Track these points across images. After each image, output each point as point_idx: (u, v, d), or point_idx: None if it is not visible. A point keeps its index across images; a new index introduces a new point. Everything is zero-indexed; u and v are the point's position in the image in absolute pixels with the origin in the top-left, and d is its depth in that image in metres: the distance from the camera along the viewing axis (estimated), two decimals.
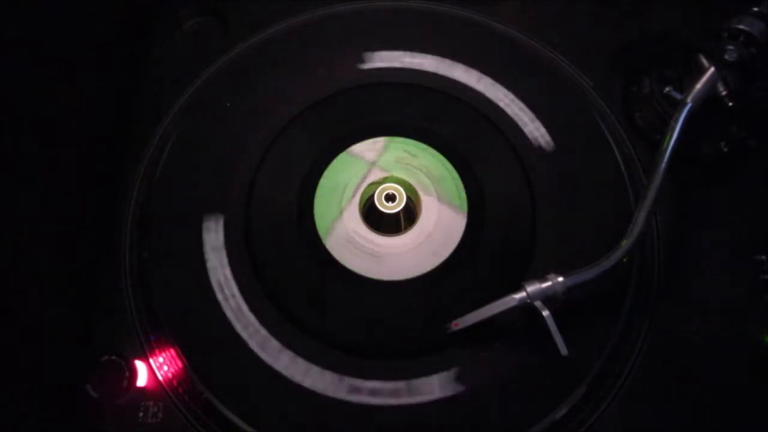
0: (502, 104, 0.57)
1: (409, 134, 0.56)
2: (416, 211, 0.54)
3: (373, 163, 0.54)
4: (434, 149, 0.55)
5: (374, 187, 0.53)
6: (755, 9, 0.50)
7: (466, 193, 0.53)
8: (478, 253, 0.51)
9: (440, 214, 0.53)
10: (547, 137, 0.55)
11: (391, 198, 0.53)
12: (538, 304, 0.44)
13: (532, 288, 0.44)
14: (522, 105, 0.57)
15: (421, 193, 0.54)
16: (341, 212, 0.53)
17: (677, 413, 0.47)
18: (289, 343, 0.48)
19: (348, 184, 0.54)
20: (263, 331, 0.49)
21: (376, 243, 0.52)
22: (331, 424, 0.47)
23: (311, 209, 0.53)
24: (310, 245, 0.52)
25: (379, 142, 0.55)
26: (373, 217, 0.53)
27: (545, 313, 0.44)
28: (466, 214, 0.53)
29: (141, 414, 0.47)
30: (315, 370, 0.48)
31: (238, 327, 0.49)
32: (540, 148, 0.55)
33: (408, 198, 0.53)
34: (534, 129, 0.56)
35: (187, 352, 0.48)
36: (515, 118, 0.56)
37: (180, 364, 0.48)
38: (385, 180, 0.54)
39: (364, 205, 0.54)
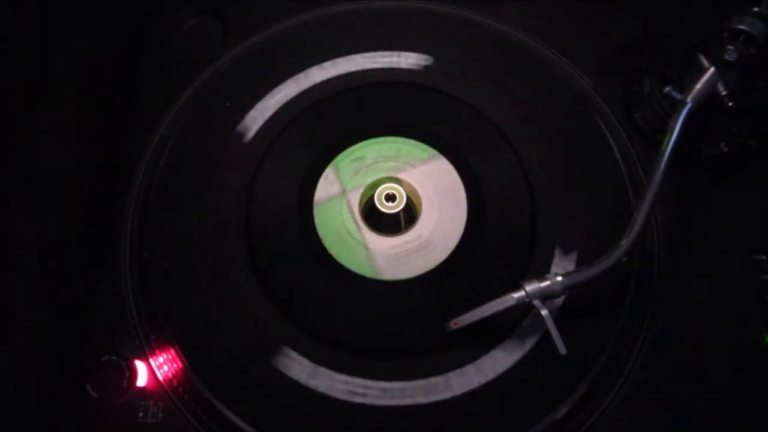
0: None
1: (412, 134, 0.56)
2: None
3: (343, 191, 0.54)
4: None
5: (374, 188, 0.53)
6: (755, 9, 0.49)
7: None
8: (478, 252, 0.51)
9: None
10: (548, 137, 0.55)
11: (391, 198, 0.53)
12: (537, 303, 0.44)
13: (531, 287, 0.45)
14: (522, 105, 0.57)
15: (401, 176, 0.54)
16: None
17: (677, 413, 0.47)
18: (289, 343, 0.48)
19: (345, 223, 0.53)
20: (263, 331, 0.49)
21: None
22: (331, 424, 0.47)
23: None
24: (310, 245, 0.52)
25: (329, 173, 0.54)
26: (373, 217, 0.53)
27: (544, 312, 0.44)
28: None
29: (141, 414, 0.47)
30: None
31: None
32: (540, 148, 0.55)
33: (408, 198, 0.53)
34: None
35: (187, 352, 0.48)
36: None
37: (180, 364, 0.48)
38: (375, 183, 0.54)
39: (364, 205, 0.54)
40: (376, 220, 0.53)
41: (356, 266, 0.51)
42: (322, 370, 0.48)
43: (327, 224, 0.52)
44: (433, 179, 0.54)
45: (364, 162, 0.54)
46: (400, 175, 0.54)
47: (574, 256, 0.51)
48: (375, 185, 0.53)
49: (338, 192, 0.53)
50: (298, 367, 0.48)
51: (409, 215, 0.54)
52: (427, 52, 0.59)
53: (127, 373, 0.48)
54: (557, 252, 0.51)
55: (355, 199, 0.54)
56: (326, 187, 0.53)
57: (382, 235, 0.53)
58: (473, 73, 0.58)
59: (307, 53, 0.59)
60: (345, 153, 0.55)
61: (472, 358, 0.48)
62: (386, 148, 0.55)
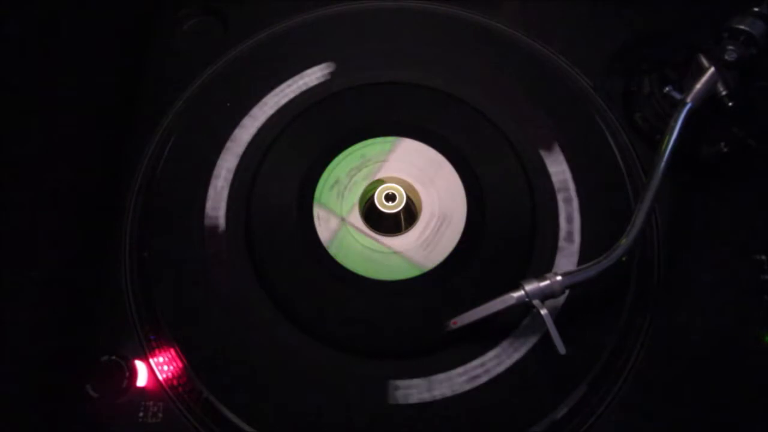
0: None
1: (413, 134, 0.56)
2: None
3: (342, 221, 0.53)
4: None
5: (374, 188, 0.53)
6: (755, 9, 0.49)
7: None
8: (478, 252, 0.51)
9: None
10: (548, 137, 0.55)
11: (391, 198, 0.53)
12: (536, 302, 0.44)
13: (530, 287, 0.45)
14: (522, 105, 0.57)
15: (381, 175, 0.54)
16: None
17: (677, 413, 0.47)
18: (289, 342, 0.49)
19: (363, 246, 0.53)
20: (263, 331, 0.49)
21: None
22: (330, 423, 0.47)
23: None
24: (310, 244, 0.52)
25: (318, 211, 0.53)
26: (373, 218, 0.53)
27: (544, 311, 0.44)
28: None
29: (141, 414, 0.47)
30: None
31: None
32: (540, 148, 0.55)
33: (408, 198, 0.53)
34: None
35: (187, 352, 0.48)
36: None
37: (180, 364, 0.48)
38: (379, 182, 0.54)
39: (364, 205, 0.54)
40: (376, 220, 0.53)
41: (401, 274, 0.51)
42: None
43: (349, 255, 0.52)
44: (407, 159, 0.54)
45: (341, 183, 0.54)
46: (379, 176, 0.54)
47: (574, 255, 0.51)
48: (365, 195, 0.54)
49: (338, 224, 0.53)
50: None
51: (409, 215, 0.54)
52: (423, 51, 0.59)
53: (127, 373, 0.48)
54: (557, 251, 0.51)
55: (356, 219, 0.53)
56: (324, 226, 0.53)
57: (400, 235, 0.53)
58: (473, 73, 0.58)
59: (308, 53, 0.59)
60: (320, 185, 0.54)
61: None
62: (351, 160, 0.55)
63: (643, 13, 0.61)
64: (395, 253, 0.52)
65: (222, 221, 0.53)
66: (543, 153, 0.55)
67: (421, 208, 0.53)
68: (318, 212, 0.53)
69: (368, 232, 0.53)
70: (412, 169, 0.55)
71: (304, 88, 0.58)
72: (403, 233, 0.53)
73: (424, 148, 0.55)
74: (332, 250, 0.52)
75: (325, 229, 0.53)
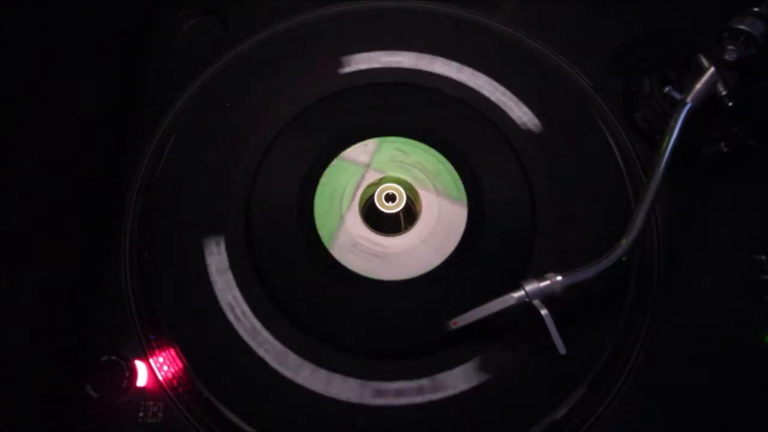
0: (502, 104, 0.57)
1: (410, 134, 0.56)
2: (416, 210, 0.54)
3: (368, 165, 0.54)
4: (430, 147, 0.55)
5: (374, 188, 0.53)
6: (755, 9, 0.49)
7: (466, 194, 0.53)
8: (478, 252, 0.51)
9: (440, 213, 0.53)
10: (548, 138, 0.55)
11: (391, 198, 0.53)
12: (536, 303, 0.44)
13: (530, 287, 0.45)
14: (522, 105, 0.57)
15: (419, 190, 0.54)
16: (341, 214, 0.53)
17: (677, 413, 0.47)
18: (289, 342, 0.49)
19: (346, 188, 0.54)
20: (263, 331, 0.49)
21: (377, 243, 0.52)
22: (330, 423, 0.47)
23: (311, 211, 0.53)
24: (309, 244, 0.52)
25: (370, 144, 0.55)
26: (374, 218, 0.53)
27: (544, 312, 0.44)
28: (466, 213, 0.53)
29: (141, 414, 0.47)
30: (313, 368, 0.48)
31: (238, 326, 0.49)
32: (540, 148, 0.55)
33: (408, 198, 0.53)
34: (534, 129, 0.56)
35: (187, 352, 0.48)
36: (516, 118, 0.56)
37: (180, 364, 0.48)
38: (382, 180, 0.54)
39: (364, 205, 0.54)
40: (376, 220, 0.53)
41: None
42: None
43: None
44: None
45: (406, 157, 0.54)
46: (379, 176, 0.54)
47: (573, 255, 0.51)
48: (365, 195, 0.54)
49: (338, 224, 0.53)
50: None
51: (409, 215, 0.54)
52: (423, 51, 0.59)
53: (127, 373, 0.48)
54: (557, 252, 0.51)
55: (356, 219, 0.53)
56: (325, 226, 0.53)
57: (400, 235, 0.53)
58: (473, 73, 0.58)
59: (308, 53, 0.59)
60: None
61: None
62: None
63: (643, 13, 0.61)
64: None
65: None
66: (543, 153, 0.55)
67: (421, 208, 0.53)
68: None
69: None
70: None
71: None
72: (403, 233, 0.53)
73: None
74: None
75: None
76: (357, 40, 0.60)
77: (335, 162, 0.54)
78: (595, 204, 0.53)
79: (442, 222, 0.53)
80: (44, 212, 0.49)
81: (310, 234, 0.52)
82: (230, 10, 0.62)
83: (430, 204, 0.53)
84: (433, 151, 0.55)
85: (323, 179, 0.54)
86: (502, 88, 0.57)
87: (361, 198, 0.54)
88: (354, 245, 0.52)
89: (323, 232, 0.52)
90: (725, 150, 0.53)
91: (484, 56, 0.59)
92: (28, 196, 0.48)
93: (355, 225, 0.53)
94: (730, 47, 0.49)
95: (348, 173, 0.54)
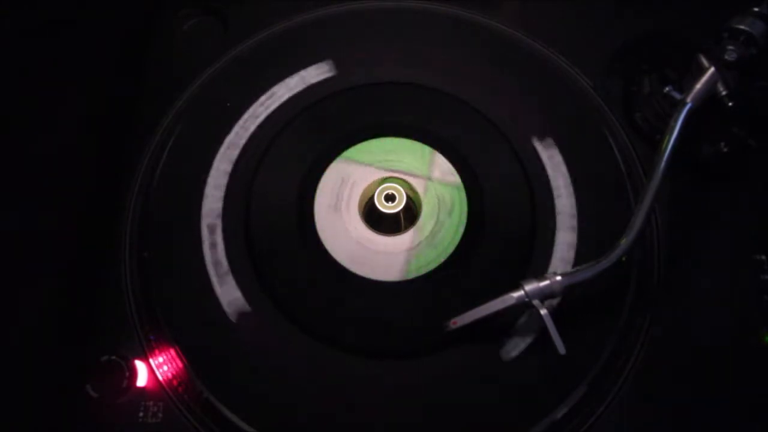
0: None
1: (412, 134, 0.56)
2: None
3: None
4: (427, 146, 0.56)
5: (374, 188, 0.53)
6: (755, 9, 0.49)
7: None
8: (478, 252, 0.51)
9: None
10: (548, 137, 0.55)
11: (391, 198, 0.53)
12: (536, 303, 0.44)
13: (530, 287, 0.45)
14: (522, 106, 0.57)
15: (419, 190, 0.54)
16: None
17: (677, 413, 0.47)
18: (289, 343, 0.49)
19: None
20: (263, 331, 0.49)
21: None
22: (330, 424, 0.47)
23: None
24: (310, 244, 0.52)
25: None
26: (374, 218, 0.53)
27: (543, 312, 0.44)
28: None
29: (141, 414, 0.47)
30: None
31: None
32: (540, 148, 0.55)
33: (408, 197, 0.53)
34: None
35: (187, 352, 0.48)
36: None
37: (180, 364, 0.48)
38: (382, 180, 0.54)
39: (364, 205, 0.54)
40: (376, 220, 0.53)
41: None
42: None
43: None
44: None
45: (341, 183, 0.54)
46: (378, 175, 0.55)
47: (573, 255, 0.51)
48: (365, 195, 0.54)
49: (338, 224, 0.53)
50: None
51: (409, 215, 0.54)
52: (423, 51, 0.59)
53: (127, 373, 0.48)
54: (557, 252, 0.51)
55: (356, 219, 0.53)
56: (325, 225, 0.53)
57: (400, 235, 0.53)
58: (473, 73, 0.58)
59: (307, 53, 0.59)
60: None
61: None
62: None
63: (643, 13, 0.61)
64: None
65: (222, 221, 0.52)
66: (543, 153, 0.55)
67: (421, 208, 0.53)
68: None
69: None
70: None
71: (304, 87, 0.58)
72: (403, 233, 0.53)
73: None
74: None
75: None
76: (357, 40, 0.60)
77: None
78: (595, 204, 0.53)
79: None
80: (44, 212, 0.50)
81: (310, 234, 0.52)
82: (230, 10, 0.62)
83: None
84: (358, 144, 0.55)
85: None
86: (502, 89, 0.57)
87: (361, 198, 0.54)
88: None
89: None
90: (725, 150, 0.53)
91: (484, 56, 0.59)
92: (28, 196, 0.48)
93: (355, 225, 0.53)
94: (730, 47, 0.49)
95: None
